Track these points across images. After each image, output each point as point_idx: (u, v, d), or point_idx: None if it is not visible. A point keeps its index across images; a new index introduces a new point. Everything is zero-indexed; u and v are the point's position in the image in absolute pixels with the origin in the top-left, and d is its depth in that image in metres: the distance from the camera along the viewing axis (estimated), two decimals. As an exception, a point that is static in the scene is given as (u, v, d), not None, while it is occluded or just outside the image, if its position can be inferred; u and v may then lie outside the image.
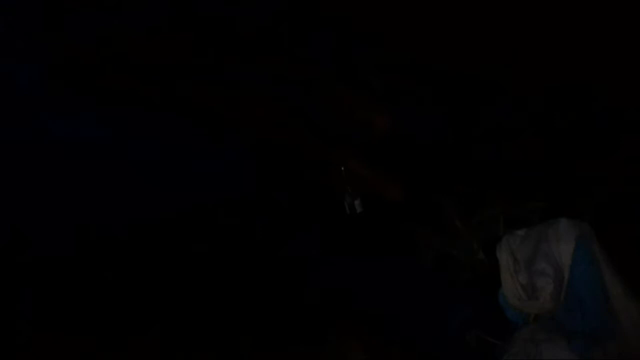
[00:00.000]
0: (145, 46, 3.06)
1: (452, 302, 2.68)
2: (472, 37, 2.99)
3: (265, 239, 2.97)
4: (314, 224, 2.98)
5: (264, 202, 3.08)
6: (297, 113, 3.10)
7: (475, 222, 2.80)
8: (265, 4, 3.19)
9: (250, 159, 3.15)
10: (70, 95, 2.98)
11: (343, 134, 3.02)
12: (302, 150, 3.08)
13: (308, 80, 3.11)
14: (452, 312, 2.67)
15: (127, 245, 2.92)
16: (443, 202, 2.88)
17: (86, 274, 2.88)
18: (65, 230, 2.91)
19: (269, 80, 3.19)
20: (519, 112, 3.00)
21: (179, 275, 2.88)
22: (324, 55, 3.12)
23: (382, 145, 2.98)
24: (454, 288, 2.74)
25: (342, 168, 2.93)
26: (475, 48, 2.98)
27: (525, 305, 2.40)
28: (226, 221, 3.03)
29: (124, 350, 2.69)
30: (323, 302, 2.75)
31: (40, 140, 2.89)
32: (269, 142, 3.21)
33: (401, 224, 2.90)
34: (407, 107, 3.01)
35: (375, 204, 2.91)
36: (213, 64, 3.15)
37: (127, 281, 2.85)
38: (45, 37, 2.91)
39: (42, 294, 2.82)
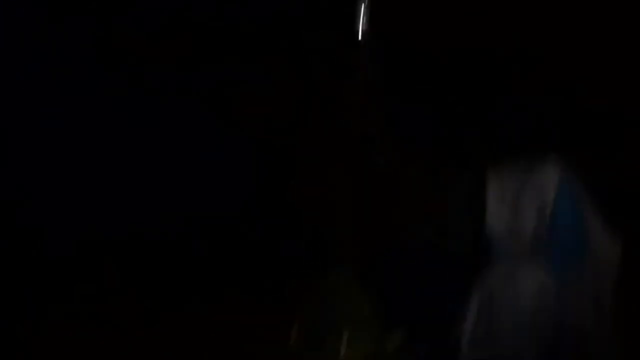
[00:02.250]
0: (146, 46, 3.08)
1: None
2: (469, 34, 2.99)
3: (263, 240, 2.99)
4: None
5: (263, 204, 3.10)
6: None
7: None
8: (265, 4, 3.19)
9: (251, 160, 3.17)
10: (75, 91, 2.99)
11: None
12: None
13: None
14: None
15: (128, 244, 2.94)
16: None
17: (87, 273, 2.90)
18: (67, 229, 2.93)
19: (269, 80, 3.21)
20: (518, 110, 2.99)
21: (178, 274, 2.90)
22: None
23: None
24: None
25: None
26: (474, 44, 2.98)
27: (509, 231, 2.52)
28: (226, 221, 3.04)
29: (126, 349, 2.71)
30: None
31: (42, 136, 2.91)
32: (270, 142, 3.22)
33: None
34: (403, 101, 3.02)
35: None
36: (213, 63, 3.17)
37: (128, 280, 2.87)
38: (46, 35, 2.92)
39: (43, 294, 2.84)
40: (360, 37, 3.16)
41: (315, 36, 3.27)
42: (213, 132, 3.19)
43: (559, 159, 2.50)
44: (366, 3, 3.17)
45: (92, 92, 3.04)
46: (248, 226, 3.09)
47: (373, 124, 2.98)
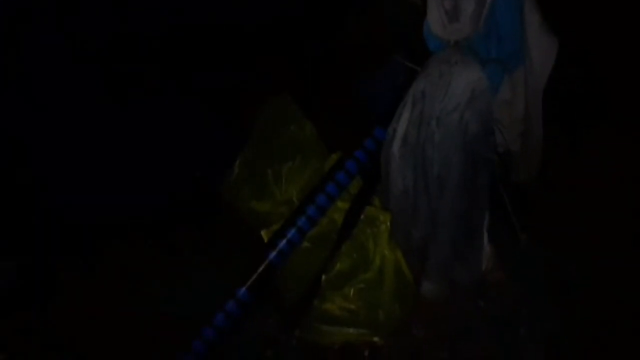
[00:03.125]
0: (146, 46, 3.08)
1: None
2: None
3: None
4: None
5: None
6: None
7: None
8: (265, 4, 3.20)
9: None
10: (76, 91, 2.99)
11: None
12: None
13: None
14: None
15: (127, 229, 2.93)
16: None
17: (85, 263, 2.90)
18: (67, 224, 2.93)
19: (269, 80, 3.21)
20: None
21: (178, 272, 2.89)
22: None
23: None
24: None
25: None
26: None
27: (446, 31, 2.43)
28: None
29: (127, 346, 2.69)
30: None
31: (45, 128, 2.92)
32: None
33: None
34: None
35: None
36: (213, 63, 3.17)
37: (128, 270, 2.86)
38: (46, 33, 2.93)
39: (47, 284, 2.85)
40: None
41: (315, 36, 3.28)
42: (213, 132, 3.19)
43: None
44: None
45: (92, 92, 3.05)
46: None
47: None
